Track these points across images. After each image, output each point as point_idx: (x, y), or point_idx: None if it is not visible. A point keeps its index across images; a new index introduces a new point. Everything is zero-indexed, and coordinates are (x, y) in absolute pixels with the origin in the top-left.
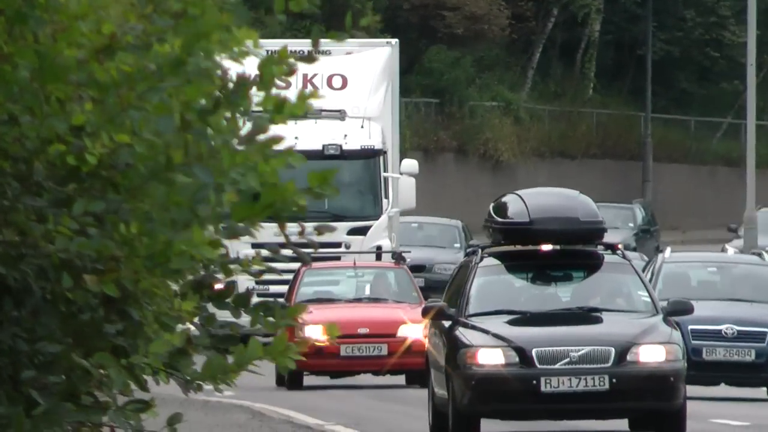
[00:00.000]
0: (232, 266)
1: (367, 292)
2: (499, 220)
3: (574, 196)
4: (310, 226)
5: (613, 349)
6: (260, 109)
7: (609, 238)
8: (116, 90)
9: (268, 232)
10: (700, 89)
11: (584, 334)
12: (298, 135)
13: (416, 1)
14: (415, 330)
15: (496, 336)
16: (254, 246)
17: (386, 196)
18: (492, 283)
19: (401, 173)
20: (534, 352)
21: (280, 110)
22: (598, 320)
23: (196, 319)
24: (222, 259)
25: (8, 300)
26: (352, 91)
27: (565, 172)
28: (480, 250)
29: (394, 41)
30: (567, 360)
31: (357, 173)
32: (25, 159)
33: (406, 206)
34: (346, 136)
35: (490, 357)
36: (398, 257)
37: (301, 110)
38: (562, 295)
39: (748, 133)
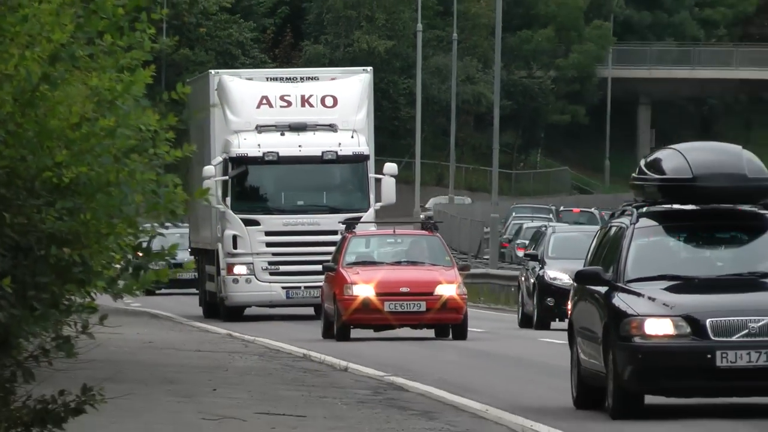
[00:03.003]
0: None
1: (406, 256)
2: (656, 176)
3: (738, 151)
4: (315, 216)
5: None
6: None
7: None
8: (80, 144)
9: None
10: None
11: (764, 302)
12: (301, 144)
13: None
14: (449, 289)
15: (664, 304)
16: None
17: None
18: (651, 246)
19: (384, 174)
20: (708, 322)
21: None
22: None
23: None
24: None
25: (21, 254)
26: (342, 108)
27: None
28: (635, 210)
29: (369, 68)
30: (746, 332)
31: (349, 174)
32: (30, 179)
33: (387, 201)
34: (340, 144)
35: (658, 327)
36: (432, 226)
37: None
38: (727, 258)
39: (416, 166)
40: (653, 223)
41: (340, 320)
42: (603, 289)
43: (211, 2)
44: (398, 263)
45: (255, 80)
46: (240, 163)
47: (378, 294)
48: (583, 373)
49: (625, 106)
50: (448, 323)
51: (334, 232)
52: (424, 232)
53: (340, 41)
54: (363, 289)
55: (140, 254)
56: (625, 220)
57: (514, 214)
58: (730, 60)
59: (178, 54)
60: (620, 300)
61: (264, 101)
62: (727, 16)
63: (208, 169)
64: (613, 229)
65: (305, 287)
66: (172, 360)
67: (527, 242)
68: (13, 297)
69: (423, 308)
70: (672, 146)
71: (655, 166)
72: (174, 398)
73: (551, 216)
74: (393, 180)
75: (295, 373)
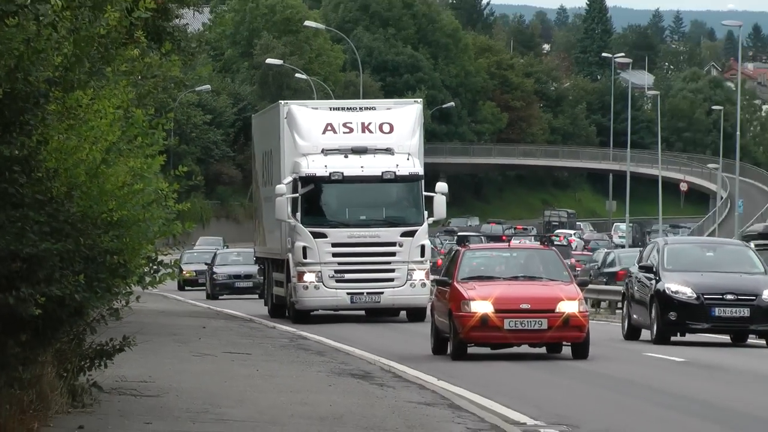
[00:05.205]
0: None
1: (522, 270)
2: None
3: None
4: (376, 230)
5: None
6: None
7: None
8: (123, 198)
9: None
10: None
11: None
12: (363, 165)
13: None
14: (571, 306)
15: None
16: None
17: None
18: None
19: (436, 192)
20: None
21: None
22: None
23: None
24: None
25: (89, 261)
26: (398, 134)
27: None
28: None
29: (420, 100)
30: None
31: (406, 192)
32: (95, 218)
33: (439, 216)
34: (397, 165)
35: None
36: (547, 240)
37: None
38: None
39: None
40: None
41: (457, 337)
42: None
43: (198, 120)
44: (515, 278)
45: (320, 109)
46: (308, 182)
47: (497, 311)
48: None
49: (432, 179)
50: (570, 342)
51: (393, 244)
52: (539, 245)
53: None
54: (481, 305)
55: (154, 265)
56: None
57: None
58: (491, 153)
59: (179, 148)
60: None
61: (329, 128)
62: (489, 128)
63: (280, 188)
64: None
65: (367, 293)
66: (175, 322)
67: None
68: (85, 286)
69: (544, 326)
70: None
71: None
72: (176, 344)
73: None
74: (444, 197)
75: (246, 329)
